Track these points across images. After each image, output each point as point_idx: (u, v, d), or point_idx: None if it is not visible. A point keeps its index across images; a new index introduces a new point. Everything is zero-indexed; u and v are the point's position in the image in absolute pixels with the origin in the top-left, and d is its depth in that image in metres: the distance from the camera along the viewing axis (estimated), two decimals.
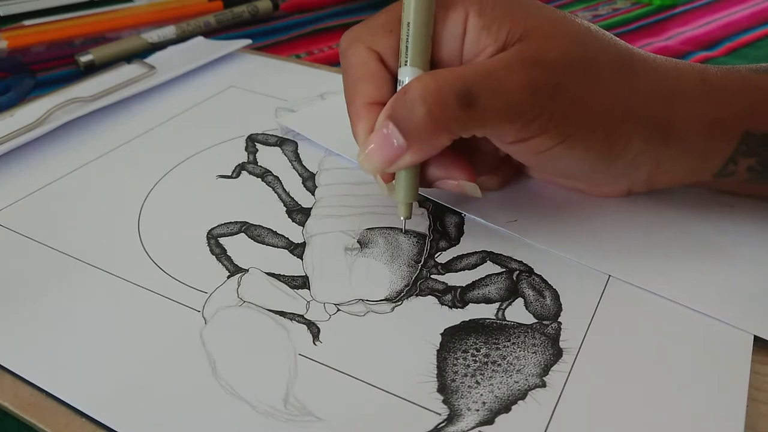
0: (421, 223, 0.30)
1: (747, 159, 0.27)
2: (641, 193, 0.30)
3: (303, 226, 0.30)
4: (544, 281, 0.27)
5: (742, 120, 0.26)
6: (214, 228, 0.30)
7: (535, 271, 0.27)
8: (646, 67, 0.26)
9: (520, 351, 0.24)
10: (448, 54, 0.26)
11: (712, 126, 0.26)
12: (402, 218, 0.28)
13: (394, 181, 0.27)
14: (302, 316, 0.25)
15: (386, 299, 0.26)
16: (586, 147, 0.25)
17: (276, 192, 0.33)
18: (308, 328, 0.25)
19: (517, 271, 0.27)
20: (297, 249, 0.29)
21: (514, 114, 0.24)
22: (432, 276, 0.27)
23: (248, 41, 0.49)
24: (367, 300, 0.26)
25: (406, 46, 0.25)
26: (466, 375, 0.23)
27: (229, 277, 0.27)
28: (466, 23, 0.25)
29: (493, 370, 0.23)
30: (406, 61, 0.25)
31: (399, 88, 0.26)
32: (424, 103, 0.23)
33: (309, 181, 0.34)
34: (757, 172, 0.27)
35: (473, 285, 0.27)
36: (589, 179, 0.30)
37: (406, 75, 0.26)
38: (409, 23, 0.25)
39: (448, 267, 0.28)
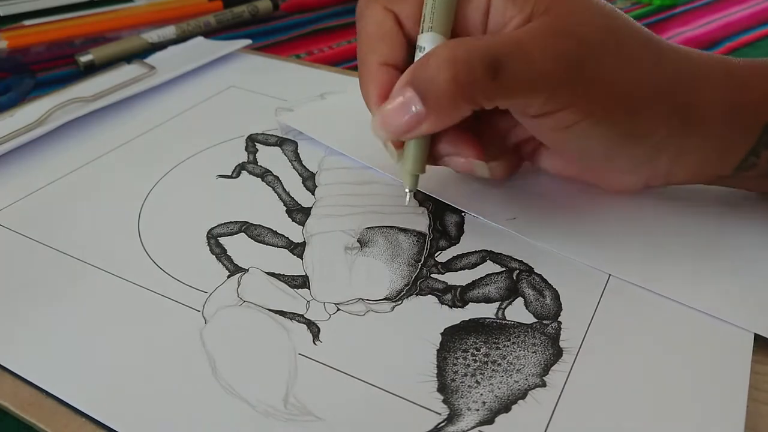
0: (421, 222, 0.30)
1: None
2: (656, 188, 0.30)
3: (303, 226, 0.30)
4: (544, 281, 0.27)
5: (764, 110, 0.26)
6: (214, 228, 0.30)
7: (535, 271, 0.27)
8: (671, 50, 0.26)
9: (520, 350, 0.24)
10: (471, 25, 0.26)
11: (735, 114, 0.26)
12: (407, 190, 0.27)
13: (404, 149, 0.27)
14: (302, 315, 0.25)
15: (386, 298, 0.26)
16: (611, 125, 0.25)
17: (276, 192, 0.33)
18: (308, 328, 0.25)
19: (517, 271, 0.27)
20: (297, 249, 0.29)
21: (541, 84, 0.23)
22: (432, 275, 0.27)
23: (248, 41, 0.49)
24: (367, 299, 0.26)
25: (432, 12, 0.25)
26: (466, 374, 0.23)
27: (229, 276, 0.27)
28: None
29: (493, 370, 0.23)
30: (430, 27, 0.25)
31: (418, 55, 0.25)
32: (451, 69, 0.23)
33: (309, 180, 0.34)
34: None
35: (473, 284, 0.27)
36: (609, 163, 0.28)
37: (428, 41, 0.25)
38: None
39: (448, 266, 0.28)
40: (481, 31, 0.26)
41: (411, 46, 0.26)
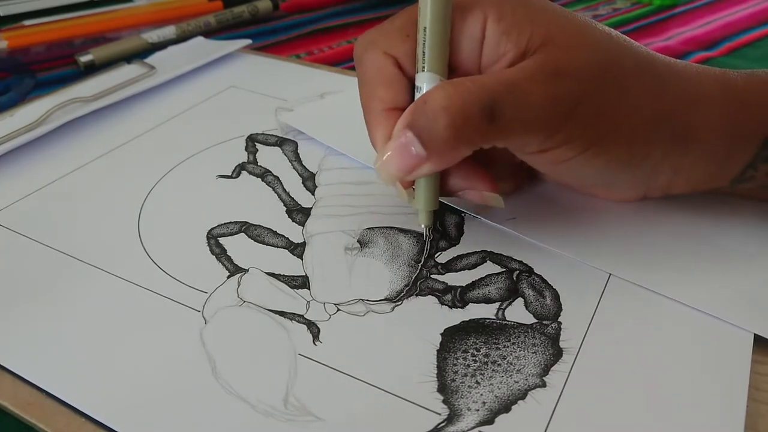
0: None
1: (767, 164, 0.26)
2: (656, 198, 0.30)
3: (303, 226, 0.30)
4: (544, 281, 0.27)
5: (762, 125, 0.26)
6: (214, 228, 0.30)
7: (535, 271, 0.27)
8: (668, 72, 0.26)
9: (520, 351, 0.24)
10: (466, 58, 0.26)
11: (733, 131, 0.26)
12: (422, 225, 0.28)
13: (413, 188, 0.27)
14: (302, 316, 0.25)
15: (386, 299, 0.26)
16: (608, 157, 0.25)
17: (276, 192, 0.33)
18: (308, 328, 0.25)
19: (517, 271, 0.27)
20: (297, 249, 0.29)
21: (538, 126, 0.24)
22: (432, 276, 0.27)
23: (248, 41, 0.49)
24: (367, 300, 0.26)
25: (423, 52, 0.25)
26: (466, 375, 0.23)
27: (229, 277, 0.27)
28: (484, 28, 0.25)
29: (493, 370, 0.23)
30: (424, 67, 0.25)
31: (417, 94, 0.26)
32: (447, 115, 0.23)
33: (309, 181, 0.34)
34: None
35: (473, 285, 0.27)
36: (607, 186, 0.29)
37: (423, 81, 0.25)
38: (425, 28, 0.25)
39: (448, 267, 0.28)
40: (475, 63, 0.26)
41: (412, 85, 0.26)
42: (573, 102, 0.24)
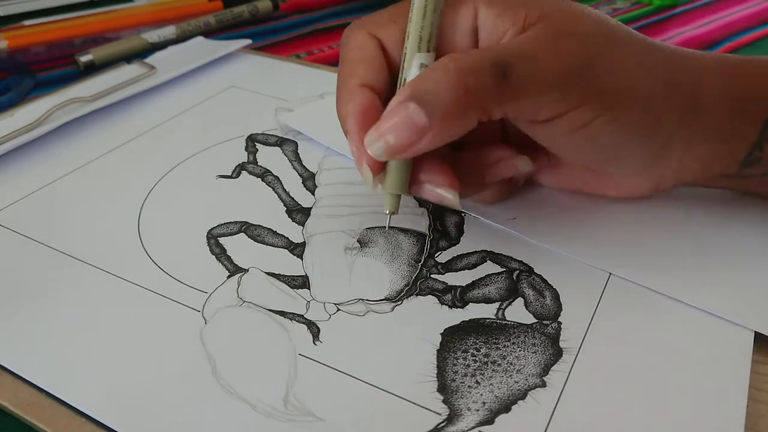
0: (421, 222, 0.30)
1: None
2: (667, 191, 0.29)
3: (303, 226, 0.30)
4: (544, 281, 0.27)
5: (763, 105, 0.26)
6: (214, 228, 0.30)
7: (535, 271, 0.27)
8: (666, 46, 0.26)
9: (520, 351, 0.24)
10: (459, 47, 0.26)
11: (736, 104, 0.26)
12: (387, 212, 0.26)
13: (387, 169, 0.25)
14: (302, 315, 0.25)
15: (386, 299, 0.26)
16: (625, 120, 0.25)
17: (276, 192, 0.33)
18: (308, 328, 0.25)
19: (517, 271, 0.27)
20: (297, 249, 0.29)
21: (552, 82, 0.23)
22: (432, 275, 0.27)
23: (248, 41, 0.49)
24: (367, 300, 0.26)
25: (419, 33, 0.24)
26: (466, 375, 0.23)
27: (229, 277, 0.27)
28: (476, 18, 0.25)
29: (493, 370, 0.23)
30: (424, 48, 0.24)
31: (408, 74, 0.24)
32: (459, 77, 0.22)
33: (309, 180, 0.34)
34: None
35: (473, 285, 0.27)
36: (619, 163, 0.27)
37: (421, 60, 0.24)
38: (424, 7, 0.24)
39: (448, 266, 0.28)
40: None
41: (393, 72, 0.26)
42: (585, 59, 0.23)
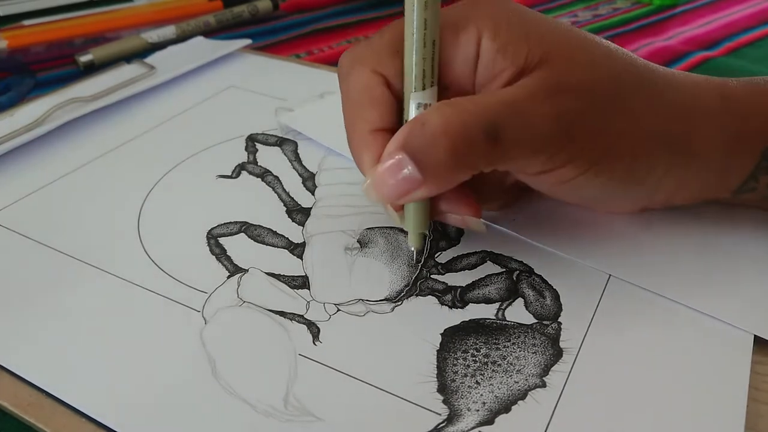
0: None
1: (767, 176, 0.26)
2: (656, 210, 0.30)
3: (303, 226, 0.30)
4: (544, 281, 0.27)
5: (762, 136, 0.26)
6: (214, 228, 0.30)
7: (535, 271, 0.27)
8: (666, 84, 0.25)
9: (520, 351, 0.24)
10: (460, 76, 0.25)
11: (733, 142, 0.25)
12: (412, 249, 0.27)
13: (404, 209, 0.26)
14: (302, 316, 0.25)
15: (386, 299, 0.26)
16: (611, 174, 0.25)
17: (276, 192, 0.33)
18: (308, 328, 0.25)
19: (517, 271, 0.27)
20: (297, 249, 0.29)
21: (541, 146, 0.23)
22: (432, 276, 0.27)
23: (248, 41, 0.49)
24: (367, 300, 0.26)
25: (413, 67, 0.24)
26: (466, 375, 0.23)
27: (229, 277, 0.27)
28: (479, 45, 0.24)
29: (493, 370, 0.23)
30: (415, 87, 0.24)
31: (407, 113, 0.24)
32: (447, 138, 0.22)
33: (309, 181, 0.34)
34: None
35: (473, 285, 0.27)
36: (608, 204, 0.29)
37: (418, 100, 0.24)
38: (413, 35, 0.23)
39: (448, 267, 0.28)
40: (470, 81, 0.25)
41: (401, 105, 0.25)
42: (574, 118, 0.23)
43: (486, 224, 0.30)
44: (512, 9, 0.25)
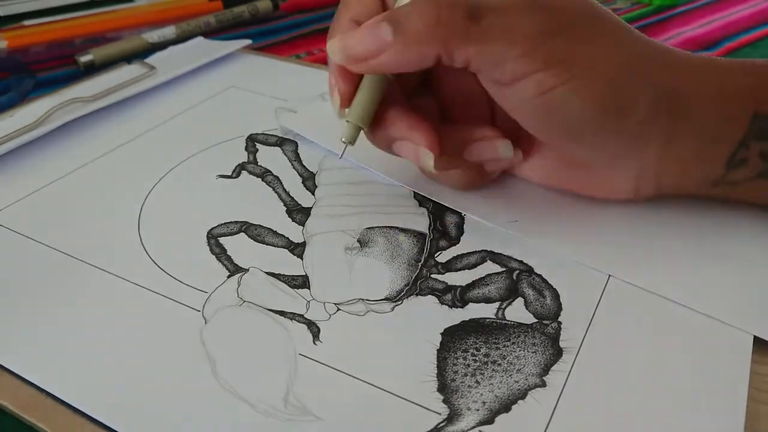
0: (421, 222, 0.30)
1: (759, 143, 0.26)
2: (649, 198, 0.29)
3: (303, 226, 0.30)
4: (544, 281, 0.27)
5: (750, 100, 0.26)
6: (214, 228, 0.30)
7: (535, 271, 0.27)
8: (652, 40, 0.26)
9: (520, 351, 0.24)
10: None
11: (721, 102, 0.25)
12: (342, 140, 0.26)
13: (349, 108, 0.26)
14: (302, 315, 0.25)
15: (386, 299, 0.26)
16: (592, 94, 0.24)
17: (276, 192, 0.33)
18: (308, 328, 0.25)
19: (517, 271, 0.27)
20: (297, 249, 0.29)
21: (518, 38, 0.23)
22: (432, 275, 0.27)
23: (248, 41, 0.49)
24: (367, 299, 0.26)
25: None
26: (466, 374, 0.23)
27: (229, 276, 0.27)
28: None
29: (493, 370, 0.23)
30: None
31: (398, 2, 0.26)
32: (431, 7, 0.23)
33: (309, 180, 0.34)
34: None
35: (473, 284, 0.27)
36: (592, 145, 0.27)
37: None
38: None
39: (448, 266, 0.28)
40: None
41: (388, 9, 0.27)
42: (554, 25, 0.24)
43: (486, 224, 0.30)
44: None
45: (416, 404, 0.22)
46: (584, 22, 0.24)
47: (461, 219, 0.30)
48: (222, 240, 0.29)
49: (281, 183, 0.34)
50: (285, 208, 0.32)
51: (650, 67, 0.25)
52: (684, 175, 0.27)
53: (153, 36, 0.52)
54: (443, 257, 0.28)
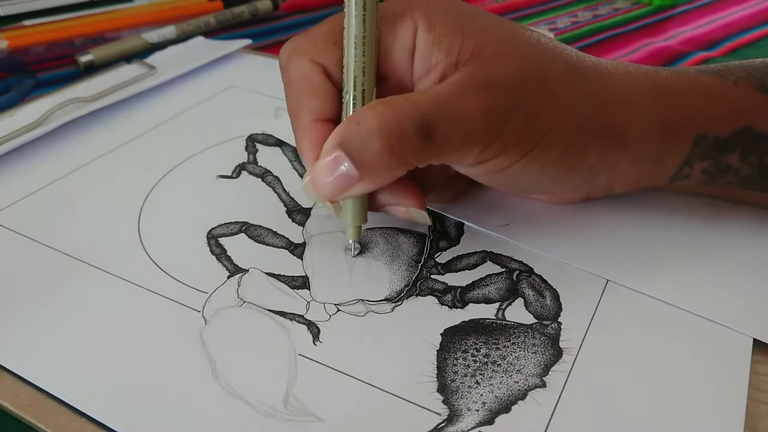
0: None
1: (701, 162, 0.27)
2: (600, 199, 0.30)
3: (303, 226, 0.30)
4: (544, 281, 0.27)
5: (693, 123, 0.26)
6: (214, 228, 0.30)
7: (535, 271, 0.27)
8: (597, 74, 0.26)
9: (520, 351, 0.24)
10: (397, 67, 0.25)
11: (665, 129, 0.26)
12: (350, 241, 0.28)
13: (341, 202, 0.26)
14: (302, 316, 0.25)
15: (386, 299, 0.26)
16: (545, 162, 0.25)
17: (276, 192, 0.33)
18: (308, 329, 0.25)
19: (517, 271, 0.27)
20: (297, 249, 0.29)
21: (473, 140, 0.24)
22: (432, 276, 0.27)
23: (248, 41, 0.49)
24: (367, 300, 0.26)
25: (352, 67, 0.24)
26: (466, 375, 0.23)
27: (229, 277, 0.27)
28: (415, 37, 0.25)
29: (493, 370, 0.23)
30: (355, 79, 0.24)
31: (344, 105, 0.25)
32: (382, 136, 0.22)
33: None
34: (711, 175, 0.27)
35: (473, 285, 0.27)
36: (546, 191, 0.30)
37: (353, 95, 0.25)
38: (354, 35, 0.24)
39: (448, 267, 0.28)
40: (407, 73, 0.26)
41: (340, 94, 0.25)
42: (504, 111, 0.24)
43: (479, 229, 0.30)
44: (448, 2, 0.25)
45: (416, 405, 0.22)
46: (528, 90, 0.24)
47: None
48: (222, 240, 0.29)
49: (281, 183, 0.34)
50: (285, 209, 0.32)
51: (597, 109, 0.25)
52: (632, 187, 0.29)
53: (153, 36, 0.52)
54: (443, 258, 0.28)
